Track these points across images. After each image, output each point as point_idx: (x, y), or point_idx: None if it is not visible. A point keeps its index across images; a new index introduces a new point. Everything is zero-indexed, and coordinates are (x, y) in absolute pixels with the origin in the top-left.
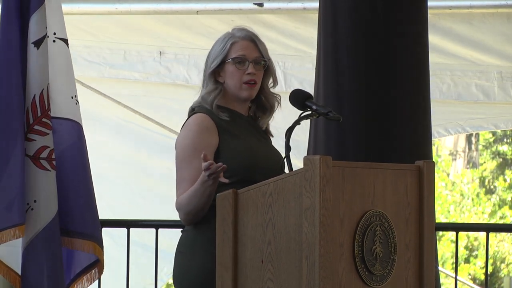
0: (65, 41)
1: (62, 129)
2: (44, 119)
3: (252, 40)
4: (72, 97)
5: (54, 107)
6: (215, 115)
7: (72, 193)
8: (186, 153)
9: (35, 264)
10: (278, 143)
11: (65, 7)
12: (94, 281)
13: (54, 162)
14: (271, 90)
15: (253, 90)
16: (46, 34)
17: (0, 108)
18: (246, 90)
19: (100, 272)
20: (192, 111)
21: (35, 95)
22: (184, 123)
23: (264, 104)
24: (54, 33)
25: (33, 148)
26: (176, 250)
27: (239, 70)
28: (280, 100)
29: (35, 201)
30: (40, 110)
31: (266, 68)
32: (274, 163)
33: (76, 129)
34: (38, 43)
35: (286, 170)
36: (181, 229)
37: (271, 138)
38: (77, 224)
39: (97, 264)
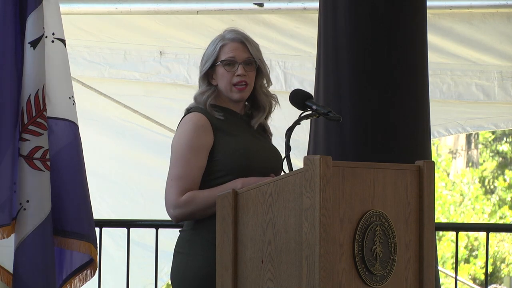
0: (63, 41)
1: (59, 129)
2: (38, 119)
3: (242, 41)
4: (69, 98)
5: (51, 108)
6: (209, 114)
7: (68, 193)
8: (183, 151)
9: (27, 263)
10: (278, 143)
11: (65, 7)
12: (86, 281)
13: (48, 163)
14: (269, 90)
15: (243, 92)
16: (43, 34)
17: None
18: (237, 93)
19: (94, 272)
20: (188, 112)
21: (30, 95)
22: (180, 122)
23: (258, 103)
24: (53, 34)
25: (27, 148)
26: (174, 250)
27: (229, 72)
28: (277, 100)
29: (27, 201)
30: (35, 110)
31: (258, 68)
32: (271, 161)
33: (73, 129)
34: (34, 43)
35: (286, 170)
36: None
37: (270, 137)
38: (73, 225)
39: (90, 265)
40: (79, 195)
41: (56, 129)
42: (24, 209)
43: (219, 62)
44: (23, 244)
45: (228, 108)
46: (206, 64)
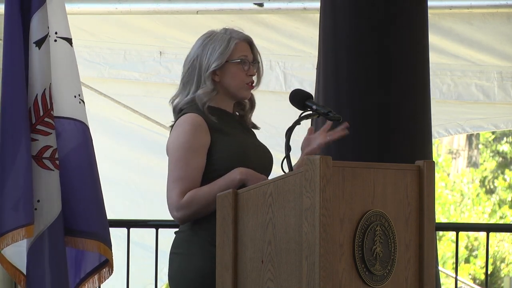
0: (68, 40)
1: (67, 130)
2: (46, 119)
3: (250, 41)
4: (75, 96)
5: (56, 107)
6: (205, 114)
7: (78, 193)
8: (182, 152)
9: (39, 263)
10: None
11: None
12: (104, 280)
13: (57, 162)
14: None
15: (251, 90)
16: (48, 33)
17: (5, 108)
18: (247, 90)
19: (111, 271)
20: (180, 111)
21: (37, 94)
22: (174, 123)
23: (248, 101)
24: (56, 33)
25: (36, 148)
26: (171, 252)
27: (243, 72)
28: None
29: (38, 201)
30: (43, 110)
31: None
32: (265, 159)
33: (80, 128)
34: (39, 43)
35: (286, 169)
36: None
37: (257, 133)
38: (82, 224)
39: (107, 264)
40: (90, 196)
41: (61, 128)
42: (36, 209)
43: (234, 60)
44: (35, 244)
45: (221, 108)
46: (217, 61)
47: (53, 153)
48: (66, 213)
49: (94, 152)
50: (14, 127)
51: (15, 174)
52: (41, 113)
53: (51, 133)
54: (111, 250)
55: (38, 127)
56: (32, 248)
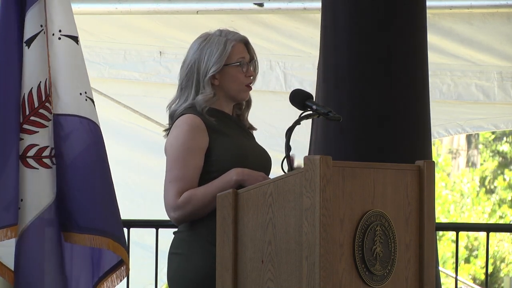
0: (74, 38)
1: (78, 129)
2: (32, 118)
3: (246, 41)
4: (80, 94)
5: (60, 105)
6: (203, 116)
7: (90, 191)
8: (180, 153)
9: (24, 262)
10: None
11: None
12: (123, 278)
13: (45, 160)
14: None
15: (249, 91)
16: (42, 30)
17: None
18: (246, 92)
19: (127, 270)
20: (180, 115)
21: (24, 94)
22: (172, 125)
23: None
24: (60, 31)
25: (21, 147)
26: (170, 252)
27: (241, 74)
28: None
29: (21, 200)
30: (29, 109)
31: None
32: (263, 160)
33: (87, 126)
34: (29, 42)
35: (286, 169)
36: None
37: (254, 134)
38: (92, 221)
39: (123, 263)
40: (101, 192)
41: (65, 125)
42: (19, 208)
43: (234, 63)
44: (18, 242)
45: (220, 109)
46: (215, 66)
47: (39, 151)
48: (77, 211)
49: (105, 150)
50: (6, 128)
51: (6, 175)
52: (27, 112)
53: (38, 131)
54: (125, 248)
55: (24, 126)
56: (16, 247)
